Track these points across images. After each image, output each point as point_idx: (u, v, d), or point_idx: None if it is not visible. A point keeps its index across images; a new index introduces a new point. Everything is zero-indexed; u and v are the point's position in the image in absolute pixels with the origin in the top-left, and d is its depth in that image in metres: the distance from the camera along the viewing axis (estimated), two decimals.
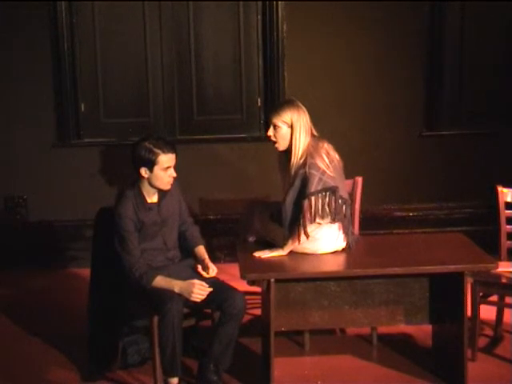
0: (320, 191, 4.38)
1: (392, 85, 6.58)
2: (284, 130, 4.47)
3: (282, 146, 4.52)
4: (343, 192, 4.49)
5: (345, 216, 4.46)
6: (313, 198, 4.37)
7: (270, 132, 4.51)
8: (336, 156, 4.52)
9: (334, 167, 4.45)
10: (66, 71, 6.42)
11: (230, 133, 6.60)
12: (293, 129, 4.46)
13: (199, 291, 4.25)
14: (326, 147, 4.49)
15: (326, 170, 4.40)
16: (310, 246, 4.47)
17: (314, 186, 4.36)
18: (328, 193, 4.39)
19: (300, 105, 4.53)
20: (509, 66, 6.64)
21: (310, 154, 4.42)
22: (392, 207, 6.74)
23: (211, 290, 4.29)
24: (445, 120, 6.70)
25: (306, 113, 4.52)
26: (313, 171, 4.38)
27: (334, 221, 4.43)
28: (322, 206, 4.39)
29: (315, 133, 4.55)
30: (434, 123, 6.67)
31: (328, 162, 4.43)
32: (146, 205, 4.40)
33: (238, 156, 6.58)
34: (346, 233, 4.52)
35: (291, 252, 4.49)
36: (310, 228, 4.39)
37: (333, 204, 4.40)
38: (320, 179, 4.38)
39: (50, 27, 6.34)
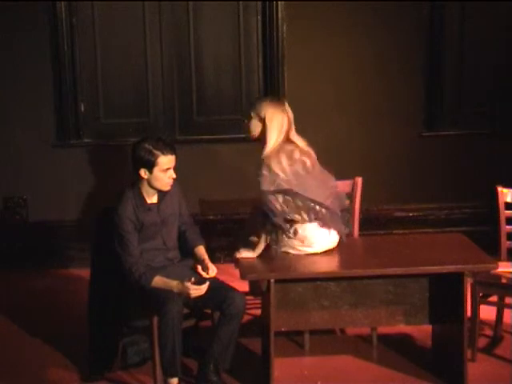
0: (273, 192, 4.38)
1: (392, 85, 6.58)
2: (254, 122, 4.50)
3: (251, 136, 4.57)
4: (313, 193, 4.44)
5: (317, 215, 4.44)
6: (264, 198, 4.39)
7: (246, 120, 4.58)
8: (305, 159, 4.48)
9: (295, 172, 4.43)
10: (66, 71, 6.42)
11: (230, 133, 6.59)
12: (264, 125, 4.48)
13: (195, 291, 4.25)
14: (291, 149, 4.46)
15: (279, 172, 4.39)
16: (303, 248, 4.49)
17: (264, 186, 4.39)
18: (282, 194, 4.39)
19: (283, 105, 4.52)
20: (509, 65, 6.64)
21: (267, 155, 4.44)
22: (392, 207, 6.74)
23: (207, 284, 4.28)
24: (445, 120, 6.70)
25: (287, 115, 4.49)
26: (264, 172, 4.40)
27: (305, 221, 4.43)
28: (276, 206, 4.38)
29: (294, 138, 4.51)
30: (434, 123, 6.67)
31: (286, 164, 4.42)
32: (146, 205, 4.40)
33: (238, 156, 6.58)
34: (335, 229, 4.52)
35: (289, 253, 4.50)
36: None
37: (292, 205, 4.39)
38: (273, 181, 4.38)
39: (50, 27, 6.34)
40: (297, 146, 4.51)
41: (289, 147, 4.48)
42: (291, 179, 4.41)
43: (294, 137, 4.54)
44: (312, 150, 4.57)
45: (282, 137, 4.48)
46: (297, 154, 4.48)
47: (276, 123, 4.47)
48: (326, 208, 4.47)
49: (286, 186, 4.39)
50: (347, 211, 4.76)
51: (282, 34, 6.42)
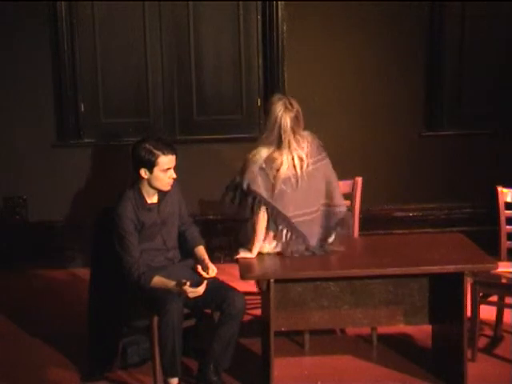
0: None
1: (392, 85, 6.58)
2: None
3: None
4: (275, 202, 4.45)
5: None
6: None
7: None
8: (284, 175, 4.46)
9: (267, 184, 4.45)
10: (66, 71, 6.42)
11: (230, 133, 6.60)
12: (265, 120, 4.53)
13: (193, 293, 4.25)
14: (264, 155, 4.45)
15: (244, 171, 4.47)
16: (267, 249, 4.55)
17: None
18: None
19: (287, 105, 4.44)
20: (509, 66, 6.64)
21: (250, 155, 4.51)
22: (392, 207, 6.74)
23: (204, 284, 4.28)
24: (445, 120, 6.70)
25: (288, 117, 4.41)
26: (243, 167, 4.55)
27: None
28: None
29: (291, 145, 4.44)
30: (433, 123, 6.67)
31: (252, 164, 4.45)
32: (146, 205, 4.40)
33: (238, 156, 6.55)
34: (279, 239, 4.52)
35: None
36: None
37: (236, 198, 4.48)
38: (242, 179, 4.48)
39: (50, 27, 6.34)
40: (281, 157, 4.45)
41: (275, 156, 4.45)
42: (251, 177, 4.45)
43: (293, 144, 4.45)
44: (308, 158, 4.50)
45: (274, 139, 4.45)
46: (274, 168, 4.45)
47: (270, 121, 4.46)
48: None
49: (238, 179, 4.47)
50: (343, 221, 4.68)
51: (282, 33, 6.42)
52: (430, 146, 6.69)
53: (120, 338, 4.70)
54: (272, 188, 4.45)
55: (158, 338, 4.27)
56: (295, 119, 4.45)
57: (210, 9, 6.48)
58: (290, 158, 4.46)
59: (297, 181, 4.47)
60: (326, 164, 4.60)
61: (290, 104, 4.46)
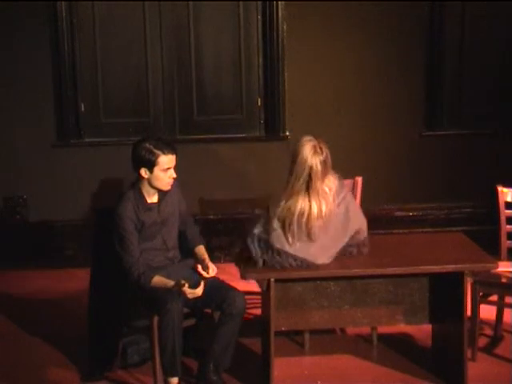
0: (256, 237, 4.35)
1: (392, 85, 6.59)
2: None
3: None
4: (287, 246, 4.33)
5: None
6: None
7: None
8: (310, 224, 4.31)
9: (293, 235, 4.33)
10: (66, 71, 6.42)
11: (230, 133, 6.60)
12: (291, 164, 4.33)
13: (192, 294, 4.26)
14: (292, 208, 4.30)
15: (274, 228, 4.31)
16: None
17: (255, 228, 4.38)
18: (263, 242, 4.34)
19: (318, 153, 4.24)
20: (509, 66, 6.64)
21: (274, 203, 4.34)
22: (392, 207, 6.74)
23: (202, 285, 4.29)
24: (445, 120, 6.70)
25: (317, 161, 4.22)
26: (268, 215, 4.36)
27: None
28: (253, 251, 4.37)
29: (318, 191, 4.29)
30: (433, 123, 6.67)
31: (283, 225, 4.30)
32: (146, 205, 4.40)
33: (238, 156, 6.58)
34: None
35: None
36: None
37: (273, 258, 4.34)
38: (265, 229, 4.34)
39: (50, 27, 6.35)
40: (310, 205, 4.29)
41: (294, 206, 4.30)
42: (283, 240, 4.31)
43: (320, 192, 4.29)
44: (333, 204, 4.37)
45: (301, 186, 4.28)
46: (301, 219, 4.30)
47: (298, 165, 4.27)
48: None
49: (274, 243, 4.30)
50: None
51: (282, 33, 6.43)
52: (430, 146, 6.69)
53: (120, 338, 4.70)
54: (303, 240, 4.33)
55: (158, 337, 4.27)
56: (323, 163, 4.27)
57: (210, 9, 6.48)
58: (317, 205, 4.30)
59: (320, 230, 4.33)
60: (348, 197, 4.47)
61: (320, 148, 4.27)
